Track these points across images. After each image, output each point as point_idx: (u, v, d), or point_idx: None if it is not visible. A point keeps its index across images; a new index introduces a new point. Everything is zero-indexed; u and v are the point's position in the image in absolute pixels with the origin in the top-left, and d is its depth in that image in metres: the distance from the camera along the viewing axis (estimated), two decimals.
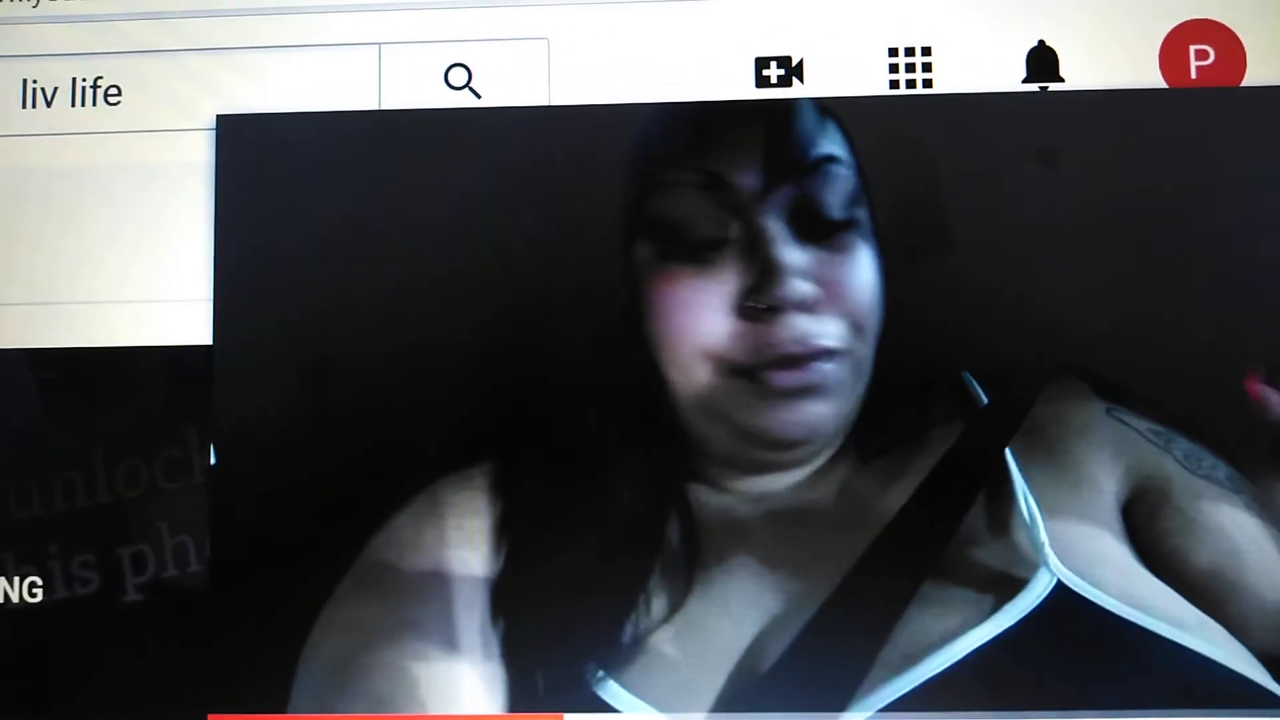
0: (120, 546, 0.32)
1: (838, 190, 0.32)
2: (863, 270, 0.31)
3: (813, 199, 0.31)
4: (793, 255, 0.31)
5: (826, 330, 0.31)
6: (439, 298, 0.32)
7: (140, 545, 0.32)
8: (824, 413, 0.31)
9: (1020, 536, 0.31)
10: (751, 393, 0.31)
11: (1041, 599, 0.30)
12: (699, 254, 0.31)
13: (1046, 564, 0.30)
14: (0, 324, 0.33)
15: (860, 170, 0.32)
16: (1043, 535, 0.30)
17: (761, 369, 0.31)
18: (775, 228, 0.31)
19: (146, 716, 0.31)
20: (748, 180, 0.31)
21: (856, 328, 0.31)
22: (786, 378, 0.31)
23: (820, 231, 0.31)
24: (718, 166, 0.32)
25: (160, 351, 0.32)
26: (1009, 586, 0.30)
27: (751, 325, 0.31)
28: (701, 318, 0.31)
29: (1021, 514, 0.31)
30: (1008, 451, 0.31)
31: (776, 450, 0.32)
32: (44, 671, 0.32)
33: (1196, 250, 0.31)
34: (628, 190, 0.32)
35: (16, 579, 0.32)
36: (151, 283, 0.33)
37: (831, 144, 0.32)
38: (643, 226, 0.32)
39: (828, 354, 0.31)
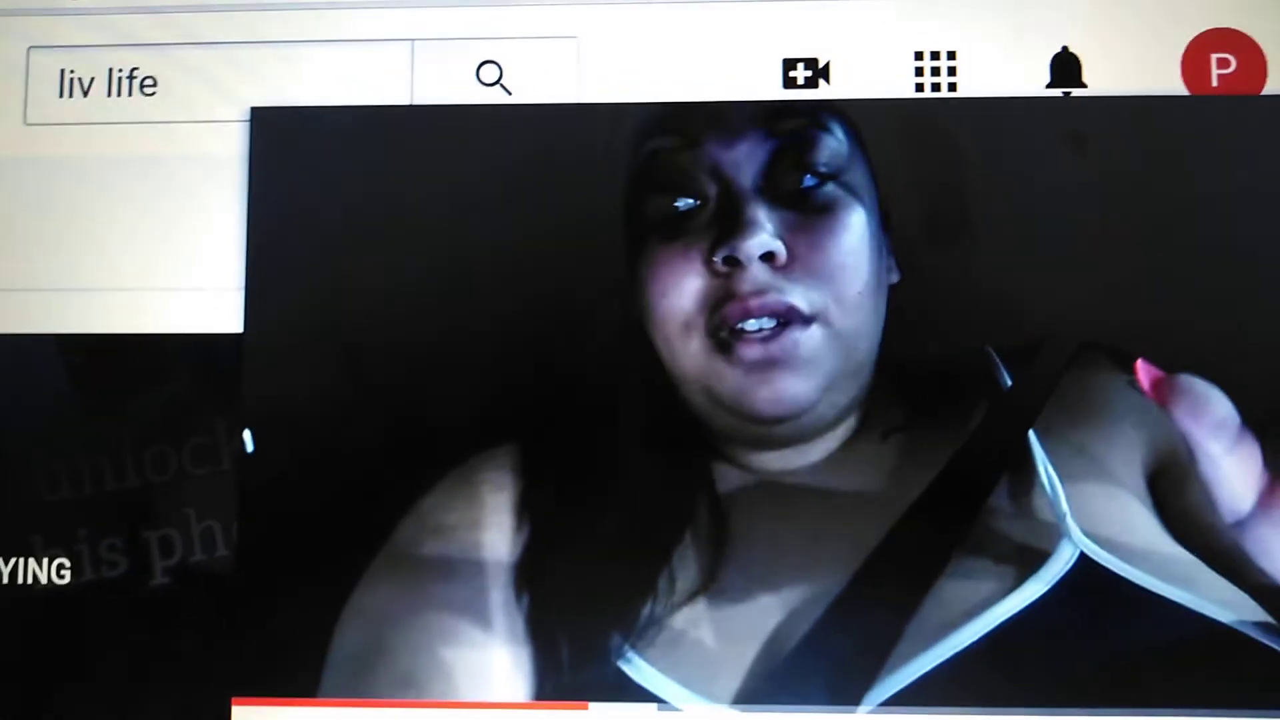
0: (148, 530, 0.32)
1: (823, 154, 0.32)
2: (844, 237, 0.32)
3: (793, 159, 0.32)
4: (760, 211, 0.32)
5: (793, 288, 0.31)
6: (466, 287, 0.32)
7: (168, 529, 0.32)
8: (802, 388, 0.31)
9: (1043, 510, 0.31)
10: (725, 363, 0.31)
11: (1065, 571, 0.30)
12: (680, 222, 0.32)
13: (1069, 536, 0.31)
14: (31, 309, 0.33)
15: (863, 148, 0.32)
16: (1065, 507, 0.31)
17: (727, 329, 0.31)
18: (748, 185, 0.32)
19: (171, 700, 0.32)
20: (727, 140, 0.32)
21: (835, 295, 0.31)
22: (752, 346, 0.31)
23: (798, 194, 0.32)
24: (698, 129, 0.32)
25: (191, 339, 0.33)
26: (1033, 559, 0.31)
27: (717, 281, 0.32)
28: (679, 284, 0.32)
29: (1043, 487, 0.31)
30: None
31: (767, 425, 0.32)
32: (70, 653, 0.32)
33: (1214, 252, 0.32)
34: (627, 173, 0.33)
35: (45, 560, 0.32)
36: (183, 271, 0.33)
37: (824, 115, 0.32)
38: (636, 206, 0.32)
39: (794, 314, 0.31)
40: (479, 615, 0.31)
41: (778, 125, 0.32)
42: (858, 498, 0.31)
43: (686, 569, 0.31)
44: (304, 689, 0.31)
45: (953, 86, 0.33)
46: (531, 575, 0.31)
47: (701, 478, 0.32)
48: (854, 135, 0.32)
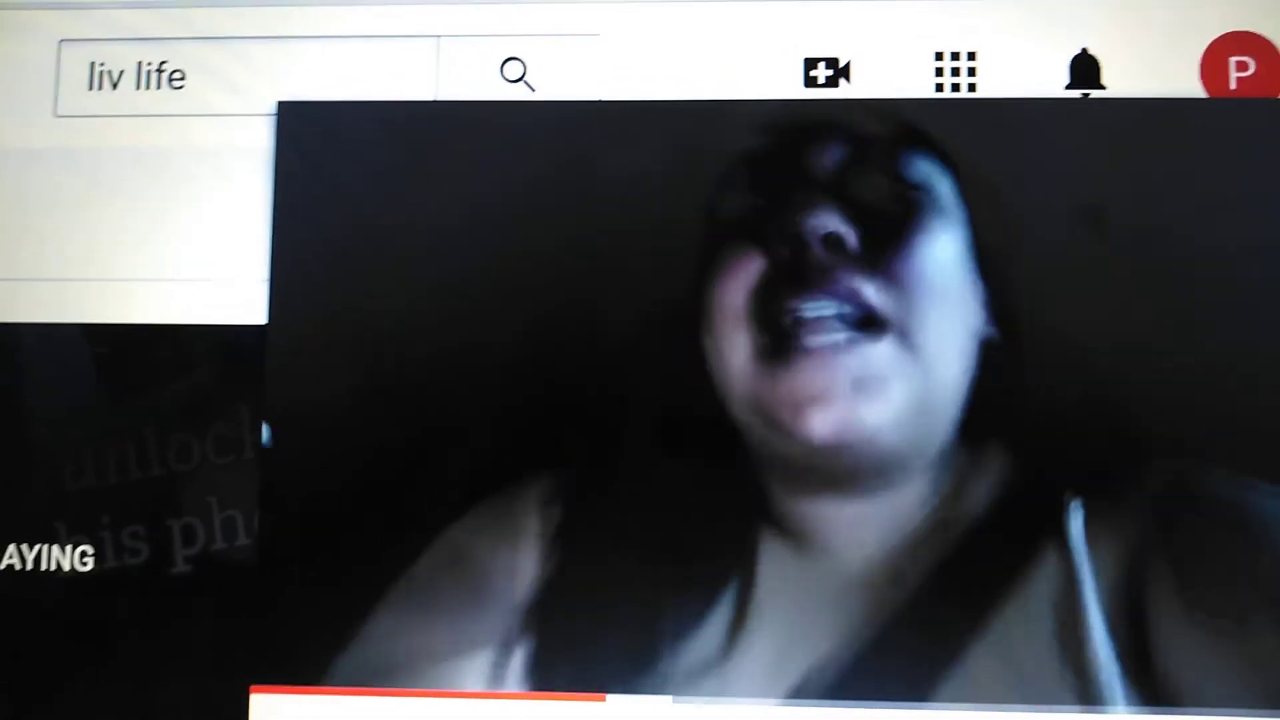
0: (170, 519, 0.33)
1: (906, 164, 0.31)
2: (928, 246, 0.30)
3: (876, 161, 0.31)
4: (827, 197, 0.30)
5: (864, 281, 0.29)
6: (490, 285, 0.33)
7: (190, 518, 0.33)
8: (868, 411, 0.28)
9: (1091, 669, 0.28)
10: (777, 367, 0.29)
11: None
12: (751, 223, 0.31)
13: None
14: (59, 299, 0.33)
15: (958, 174, 0.31)
16: (1117, 688, 0.28)
17: (786, 320, 0.29)
18: (821, 173, 0.30)
19: (190, 686, 0.32)
20: (817, 144, 0.31)
21: (914, 306, 0.29)
22: (812, 357, 0.28)
23: (879, 191, 0.30)
24: (793, 135, 0.31)
25: (215, 330, 0.33)
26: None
27: (777, 263, 0.29)
28: (738, 276, 0.30)
29: (1094, 650, 0.28)
30: (1086, 570, 0.29)
31: (822, 456, 0.29)
32: (92, 639, 0.32)
33: (1232, 261, 0.32)
34: (710, 178, 0.31)
35: (69, 547, 0.33)
36: (209, 262, 0.34)
37: (913, 137, 0.31)
38: (717, 212, 0.31)
39: (862, 306, 0.29)
40: (479, 649, 0.30)
41: (865, 128, 0.31)
42: (892, 591, 0.28)
43: (700, 643, 0.29)
44: (320, 679, 0.31)
45: (972, 87, 0.33)
46: (540, 618, 0.30)
47: (742, 549, 0.29)
48: (957, 175, 0.31)
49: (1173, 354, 0.31)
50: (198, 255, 0.34)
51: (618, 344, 0.31)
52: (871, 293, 0.29)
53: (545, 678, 0.30)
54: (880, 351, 0.29)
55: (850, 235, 0.29)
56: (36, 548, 0.33)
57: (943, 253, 0.30)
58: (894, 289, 0.29)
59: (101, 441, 0.33)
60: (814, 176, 0.31)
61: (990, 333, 0.29)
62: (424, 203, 0.33)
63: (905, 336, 0.29)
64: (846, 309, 0.29)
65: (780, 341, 0.29)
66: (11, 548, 0.33)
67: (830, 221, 0.29)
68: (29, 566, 0.32)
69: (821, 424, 0.28)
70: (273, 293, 0.33)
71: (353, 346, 0.33)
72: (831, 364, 0.28)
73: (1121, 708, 0.28)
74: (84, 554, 0.32)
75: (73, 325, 0.33)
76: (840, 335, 0.29)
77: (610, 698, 0.31)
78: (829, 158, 0.31)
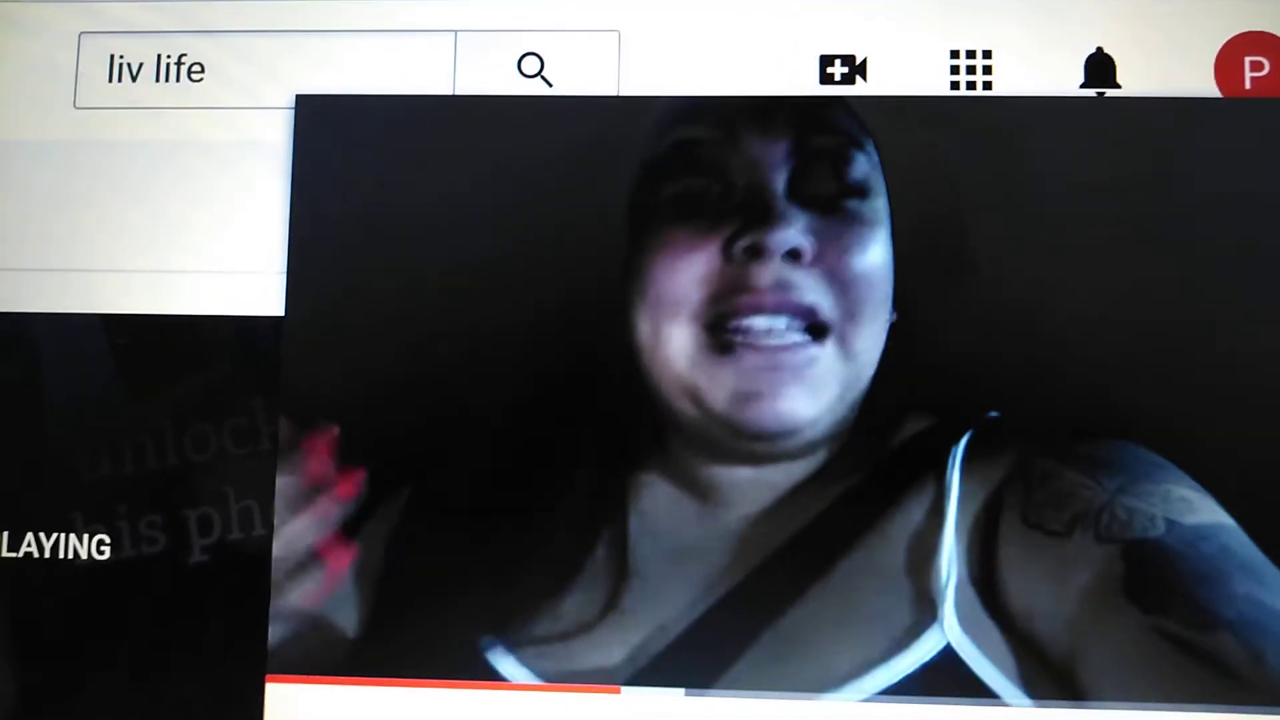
0: (187, 509, 0.33)
1: (856, 172, 0.31)
2: (870, 251, 0.31)
3: (828, 169, 0.31)
4: (790, 208, 0.31)
5: (815, 289, 0.30)
6: (506, 276, 0.33)
7: (206, 508, 0.33)
8: (807, 407, 0.30)
9: (933, 587, 0.30)
10: (720, 363, 0.30)
11: (927, 659, 0.30)
12: (698, 205, 0.31)
13: (940, 625, 0.30)
14: (78, 290, 0.34)
15: (886, 178, 0.32)
16: (949, 599, 0.30)
17: (732, 324, 0.30)
18: (780, 182, 0.31)
19: (206, 675, 0.32)
20: (763, 139, 0.32)
21: (854, 310, 0.31)
22: (760, 354, 0.30)
23: (828, 201, 0.31)
24: (734, 124, 0.32)
25: (233, 321, 0.33)
26: (906, 635, 0.30)
27: (731, 269, 0.31)
28: (687, 267, 0.31)
29: (940, 568, 0.30)
30: (954, 496, 0.30)
31: (753, 441, 0.31)
32: (109, 627, 0.32)
33: (1246, 262, 0.32)
34: (646, 157, 0.32)
35: (86, 536, 0.33)
36: (227, 254, 0.34)
37: (861, 135, 0.32)
38: (650, 191, 0.32)
39: (811, 315, 0.30)
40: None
41: (815, 139, 0.32)
42: (783, 541, 0.30)
43: (585, 598, 0.31)
44: (335, 669, 0.31)
45: (988, 85, 0.33)
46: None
47: (617, 501, 0.31)
48: (881, 164, 0.32)
49: (1178, 352, 0.31)
50: (215, 247, 0.34)
51: (578, 336, 0.32)
52: (821, 298, 0.31)
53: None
54: (824, 354, 0.30)
55: (808, 249, 0.31)
56: (54, 536, 0.33)
57: (880, 256, 0.31)
58: (841, 293, 0.31)
59: (119, 431, 0.33)
60: (770, 176, 0.31)
61: (894, 316, 0.31)
62: (441, 196, 0.33)
63: (844, 341, 0.31)
64: (798, 322, 0.31)
65: (725, 341, 0.31)
66: (29, 536, 0.33)
67: (791, 238, 0.30)
68: (46, 555, 0.33)
69: (766, 417, 0.30)
70: (290, 285, 0.33)
71: (369, 338, 0.33)
72: (779, 362, 0.30)
73: (950, 613, 0.30)
74: (101, 543, 0.33)
75: (91, 316, 0.34)
76: (792, 338, 0.30)
77: (625, 690, 0.31)
78: (784, 160, 0.32)
